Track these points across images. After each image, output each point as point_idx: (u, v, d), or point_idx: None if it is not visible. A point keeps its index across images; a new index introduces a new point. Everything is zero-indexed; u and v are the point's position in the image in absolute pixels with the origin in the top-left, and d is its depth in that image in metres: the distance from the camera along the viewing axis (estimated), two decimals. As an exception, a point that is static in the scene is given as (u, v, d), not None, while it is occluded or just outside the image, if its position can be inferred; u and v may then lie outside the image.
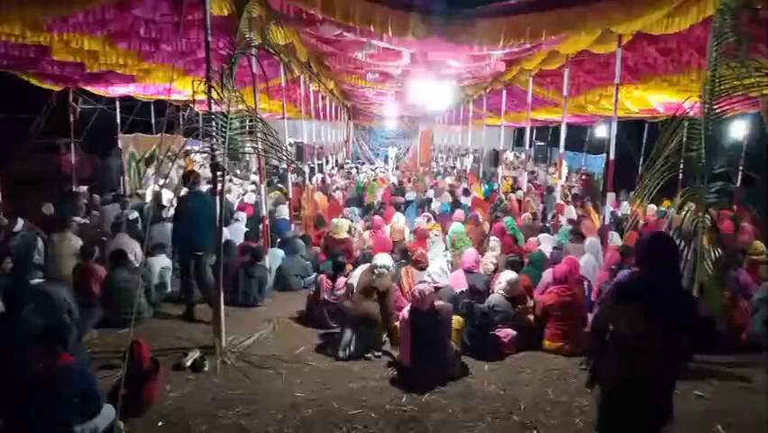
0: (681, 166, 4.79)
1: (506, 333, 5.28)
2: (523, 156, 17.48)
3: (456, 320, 5.17)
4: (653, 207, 9.87)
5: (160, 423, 3.88)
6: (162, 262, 6.86)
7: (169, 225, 7.30)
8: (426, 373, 4.62)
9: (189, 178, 6.28)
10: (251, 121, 5.07)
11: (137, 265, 6.34)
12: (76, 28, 6.49)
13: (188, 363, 4.73)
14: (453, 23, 6.18)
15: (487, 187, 15.28)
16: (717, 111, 4.54)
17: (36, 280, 5.22)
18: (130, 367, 3.78)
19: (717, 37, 4.43)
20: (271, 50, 5.80)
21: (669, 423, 2.86)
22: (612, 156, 7.80)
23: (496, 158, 20.38)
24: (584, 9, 5.81)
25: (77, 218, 8.70)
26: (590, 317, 5.66)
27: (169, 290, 6.79)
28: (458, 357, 4.92)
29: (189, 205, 6.03)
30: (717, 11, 4.55)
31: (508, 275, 5.56)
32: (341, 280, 6.16)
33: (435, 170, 21.36)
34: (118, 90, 11.62)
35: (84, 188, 11.52)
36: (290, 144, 15.34)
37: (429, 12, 6.06)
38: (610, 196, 8.11)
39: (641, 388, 2.78)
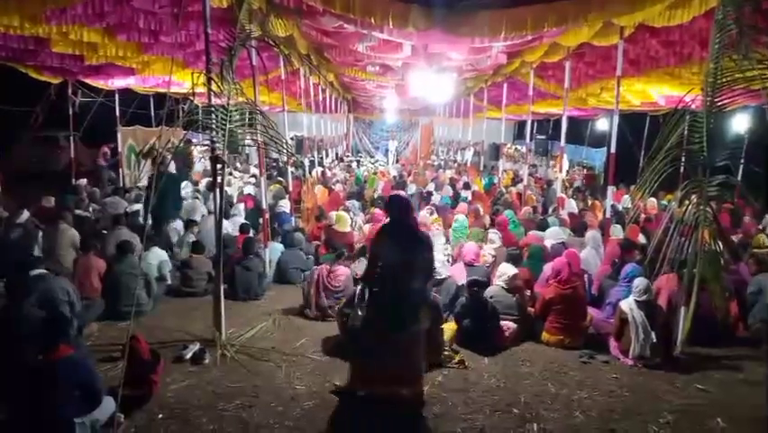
0: (683, 159, 4.77)
1: (506, 326, 5.28)
2: (523, 149, 17.44)
3: (447, 327, 5.14)
4: (653, 200, 9.84)
5: (160, 415, 3.89)
6: (161, 255, 6.85)
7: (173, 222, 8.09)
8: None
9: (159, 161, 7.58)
10: (250, 114, 5.04)
11: (137, 259, 6.34)
12: (75, 19, 6.45)
13: (188, 356, 4.73)
14: (454, 15, 6.15)
15: (487, 180, 15.25)
16: (719, 104, 4.52)
17: (39, 271, 5.18)
18: (129, 362, 3.79)
19: (720, 29, 4.40)
20: (271, 42, 5.76)
21: (419, 322, 4.00)
22: (613, 149, 7.77)
23: (496, 151, 20.34)
24: (586, 0, 5.79)
25: (80, 211, 8.69)
26: (591, 310, 5.68)
27: (169, 282, 6.79)
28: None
29: (161, 184, 6.85)
30: (719, 3, 4.51)
31: (509, 268, 5.55)
32: (341, 269, 6.14)
33: (436, 163, 21.32)
34: (117, 83, 11.59)
35: (83, 181, 11.48)
36: (291, 139, 15.29)
37: (430, 3, 6.03)
38: (611, 189, 8.09)
39: (397, 295, 3.91)
